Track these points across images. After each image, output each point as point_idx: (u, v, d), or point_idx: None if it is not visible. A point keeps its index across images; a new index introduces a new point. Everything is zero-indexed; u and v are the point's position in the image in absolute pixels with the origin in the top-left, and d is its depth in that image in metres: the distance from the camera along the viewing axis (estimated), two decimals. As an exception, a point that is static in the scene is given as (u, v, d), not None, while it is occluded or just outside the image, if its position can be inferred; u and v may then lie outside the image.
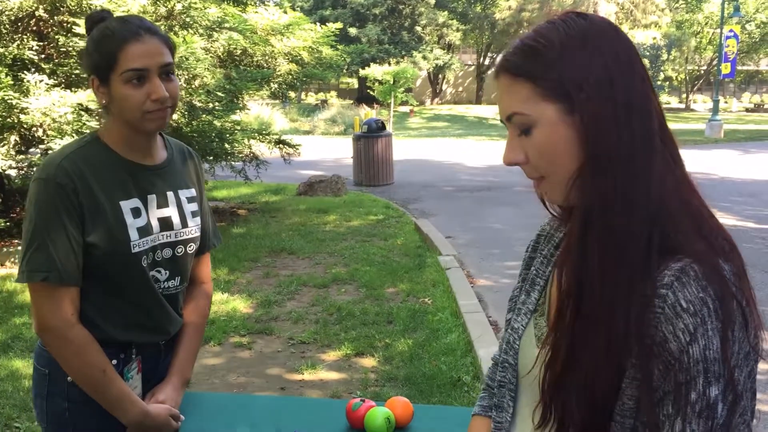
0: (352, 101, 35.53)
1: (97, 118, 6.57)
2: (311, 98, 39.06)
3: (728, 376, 0.86)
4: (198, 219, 1.84)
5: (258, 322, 5.18)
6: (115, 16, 1.67)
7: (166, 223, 1.74)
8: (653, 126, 0.94)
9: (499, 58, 1.03)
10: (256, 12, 8.78)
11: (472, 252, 7.60)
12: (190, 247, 1.81)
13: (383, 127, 13.13)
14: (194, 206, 1.84)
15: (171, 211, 1.76)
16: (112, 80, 1.60)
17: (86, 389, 1.64)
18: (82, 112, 6.06)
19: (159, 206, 1.73)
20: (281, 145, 9.71)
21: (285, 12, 9.02)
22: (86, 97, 5.88)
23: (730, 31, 23.69)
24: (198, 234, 1.84)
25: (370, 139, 12.73)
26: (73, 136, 5.98)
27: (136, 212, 1.68)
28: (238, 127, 8.43)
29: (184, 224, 1.79)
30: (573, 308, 0.95)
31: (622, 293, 0.90)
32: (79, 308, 1.62)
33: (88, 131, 6.10)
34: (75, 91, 6.01)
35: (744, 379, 0.87)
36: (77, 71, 6.49)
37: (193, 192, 1.85)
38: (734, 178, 13.10)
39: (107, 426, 1.67)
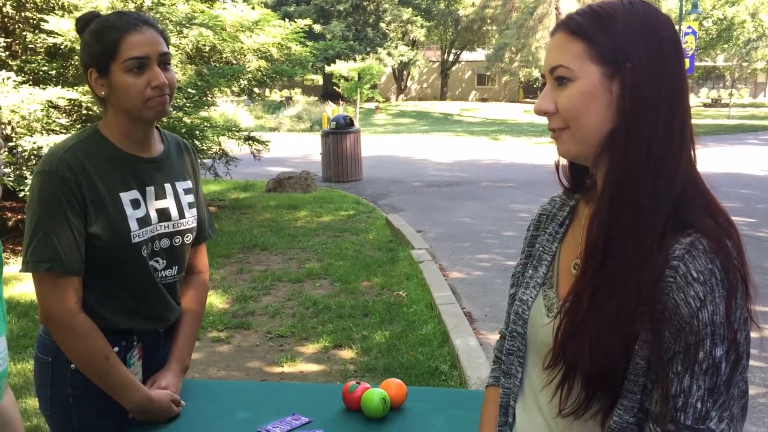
0: (317, 98, 35.43)
1: (65, 114, 6.51)
2: (275, 95, 38.85)
3: (731, 338, 0.96)
4: (194, 210, 1.88)
5: (235, 317, 5.20)
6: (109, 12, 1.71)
7: (164, 214, 1.78)
8: (687, 112, 1.04)
9: (561, 18, 1.11)
10: (224, 8, 8.75)
11: (443, 245, 7.69)
12: (187, 237, 1.86)
13: (351, 124, 13.17)
14: (191, 198, 1.88)
15: (169, 203, 1.80)
16: (112, 70, 1.64)
17: (90, 376, 1.67)
18: (52, 110, 6.00)
19: (157, 198, 1.77)
20: (251, 142, 9.69)
21: (253, 8, 9.00)
22: (56, 94, 5.82)
23: (689, 27, 24.22)
24: (195, 225, 1.88)
25: (339, 135, 12.76)
26: (42, 134, 5.92)
27: (135, 204, 1.72)
28: (208, 124, 8.41)
29: (182, 215, 1.83)
30: (598, 261, 1.04)
31: (641, 256, 0.99)
32: (82, 297, 1.66)
33: (57, 129, 6.05)
34: (44, 88, 5.95)
35: (743, 342, 0.98)
36: (45, 68, 6.42)
37: (189, 184, 1.89)
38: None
39: (110, 411, 1.71)
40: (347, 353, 4.52)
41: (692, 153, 1.06)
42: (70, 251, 1.61)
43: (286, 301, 5.65)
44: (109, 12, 1.79)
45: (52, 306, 1.62)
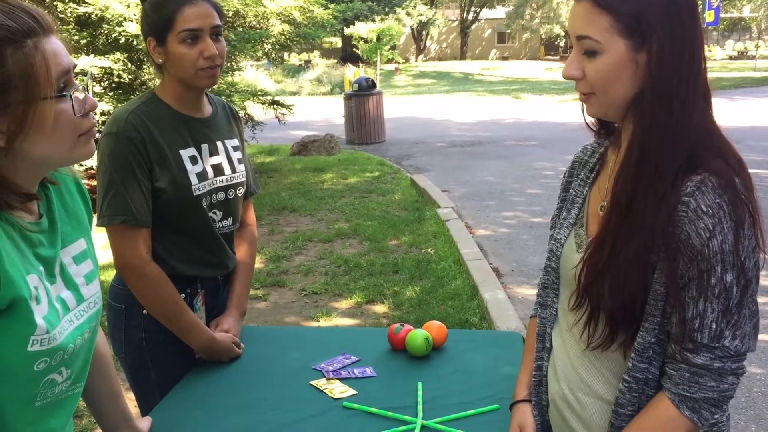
0: (336, 61, 35.30)
1: (97, 82, 6.66)
2: (294, 59, 38.72)
3: (740, 265, 1.08)
4: (243, 166, 2.02)
5: (270, 276, 5.40)
6: None
7: (218, 169, 1.93)
8: (702, 68, 1.13)
9: None
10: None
11: (468, 204, 7.81)
12: (239, 190, 2.00)
13: (374, 86, 13.20)
14: (239, 154, 2.02)
15: (221, 159, 1.94)
16: (169, 40, 1.77)
17: (161, 319, 1.84)
18: (83, 78, 6.14)
19: (211, 154, 1.92)
20: (275, 106, 9.81)
21: (274, -28, 9.02)
22: (89, 63, 5.96)
23: (714, -22, 23.65)
24: (245, 179, 2.02)
25: (362, 97, 12.81)
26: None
27: (193, 160, 1.86)
28: (234, 89, 8.52)
29: (233, 170, 1.97)
30: (621, 214, 1.15)
31: (658, 201, 1.11)
32: (151, 248, 1.81)
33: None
34: (77, 57, 6.09)
35: (751, 268, 1.09)
36: (76, 37, 6.55)
37: (236, 142, 2.03)
38: (720, 126, 13.27)
39: (179, 351, 1.88)
40: (380, 308, 4.68)
41: (707, 101, 1.15)
42: (140, 205, 1.76)
43: (317, 260, 5.83)
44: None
45: (126, 255, 1.78)
